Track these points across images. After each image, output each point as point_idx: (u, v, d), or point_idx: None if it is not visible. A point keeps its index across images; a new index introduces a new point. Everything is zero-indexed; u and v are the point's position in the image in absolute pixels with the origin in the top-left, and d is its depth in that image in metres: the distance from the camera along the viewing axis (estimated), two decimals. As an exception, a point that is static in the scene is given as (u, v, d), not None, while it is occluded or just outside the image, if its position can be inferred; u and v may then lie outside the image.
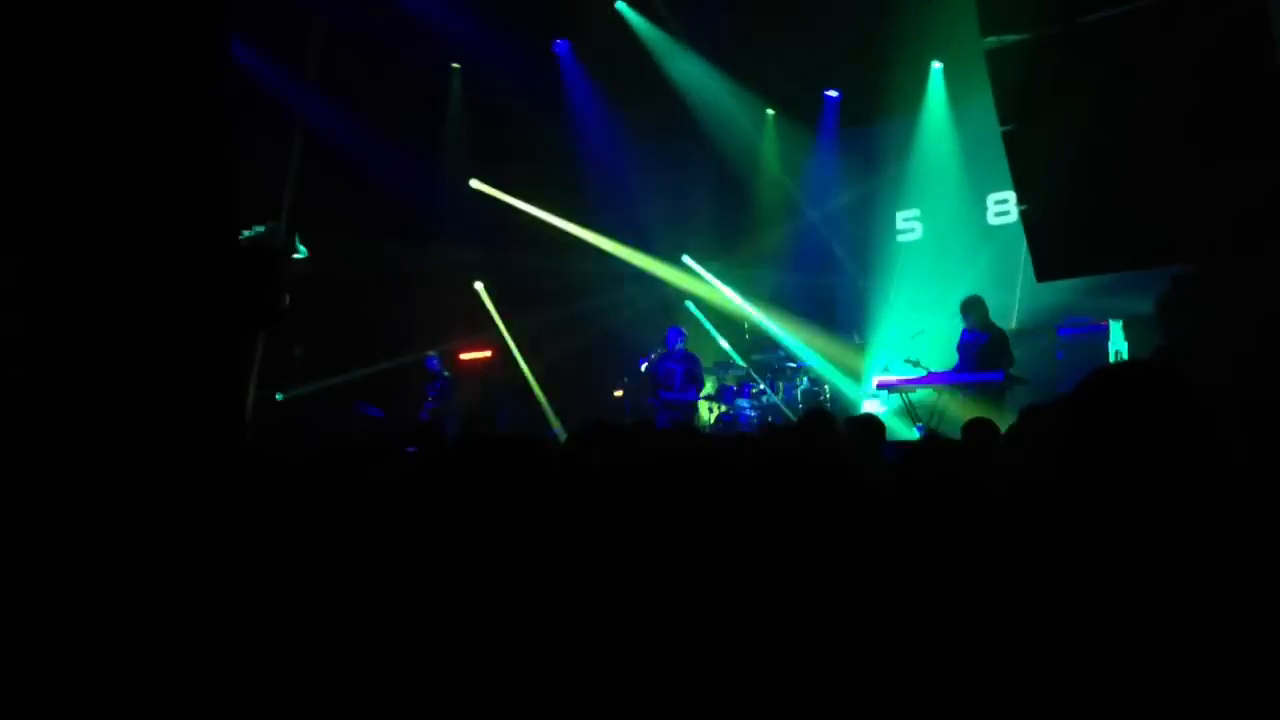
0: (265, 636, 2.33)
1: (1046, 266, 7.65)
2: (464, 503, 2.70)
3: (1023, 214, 7.72)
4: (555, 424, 12.81)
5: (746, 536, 2.23)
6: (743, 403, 11.48)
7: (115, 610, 2.64)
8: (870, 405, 11.47)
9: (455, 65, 13.00)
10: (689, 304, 13.35)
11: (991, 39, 7.39)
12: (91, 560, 2.88)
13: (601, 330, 13.00)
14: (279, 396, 11.15)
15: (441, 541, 2.46)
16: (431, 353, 11.97)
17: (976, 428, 5.36)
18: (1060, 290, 9.82)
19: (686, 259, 13.55)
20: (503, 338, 13.36)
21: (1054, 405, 4.95)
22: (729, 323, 13.18)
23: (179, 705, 2.23)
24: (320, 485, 2.76)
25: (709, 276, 13.45)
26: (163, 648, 2.38)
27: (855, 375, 12.51)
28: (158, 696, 2.26)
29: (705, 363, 11.70)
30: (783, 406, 11.61)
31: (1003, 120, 7.60)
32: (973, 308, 9.07)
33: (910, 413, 9.44)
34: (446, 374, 11.91)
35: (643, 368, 11.01)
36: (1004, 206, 11.73)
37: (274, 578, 2.52)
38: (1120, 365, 1.99)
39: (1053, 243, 7.46)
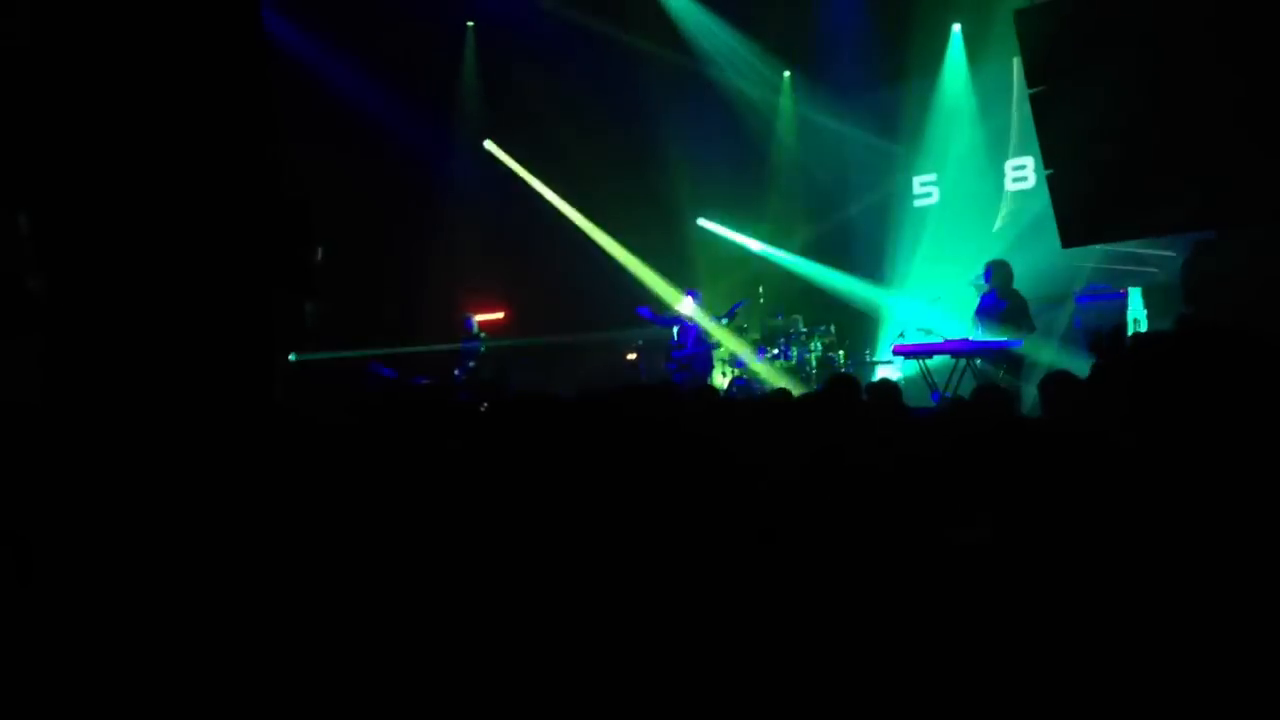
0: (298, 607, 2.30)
1: (1072, 232, 7.57)
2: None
3: (1049, 179, 7.63)
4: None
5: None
6: (755, 366, 11.46)
7: (141, 582, 2.60)
8: (885, 371, 11.44)
9: (470, 23, 12.87)
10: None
11: (1021, -1, 7.29)
12: (118, 526, 2.84)
13: (613, 291, 12.96)
14: (292, 358, 11.11)
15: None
16: (470, 314, 12.09)
17: (990, 394, 5.32)
18: (1079, 257, 9.76)
19: (702, 221, 13.50)
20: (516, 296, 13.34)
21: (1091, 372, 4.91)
22: (744, 288, 13.12)
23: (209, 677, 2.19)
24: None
25: (728, 233, 13.41)
26: (192, 620, 2.35)
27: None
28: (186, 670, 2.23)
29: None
30: (796, 371, 11.58)
31: (1031, 83, 7.50)
32: (997, 270, 8.98)
33: (927, 380, 9.39)
34: (482, 335, 12.00)
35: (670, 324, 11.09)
36: (1022, 173, 11.65)
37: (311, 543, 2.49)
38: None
39: (1079, 208, 7.37)
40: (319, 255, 3.72)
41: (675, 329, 11.10)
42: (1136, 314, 9.94)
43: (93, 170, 3.06)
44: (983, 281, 9.19)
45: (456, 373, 11.70)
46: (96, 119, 3.08)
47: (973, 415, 4.57)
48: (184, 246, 3.19)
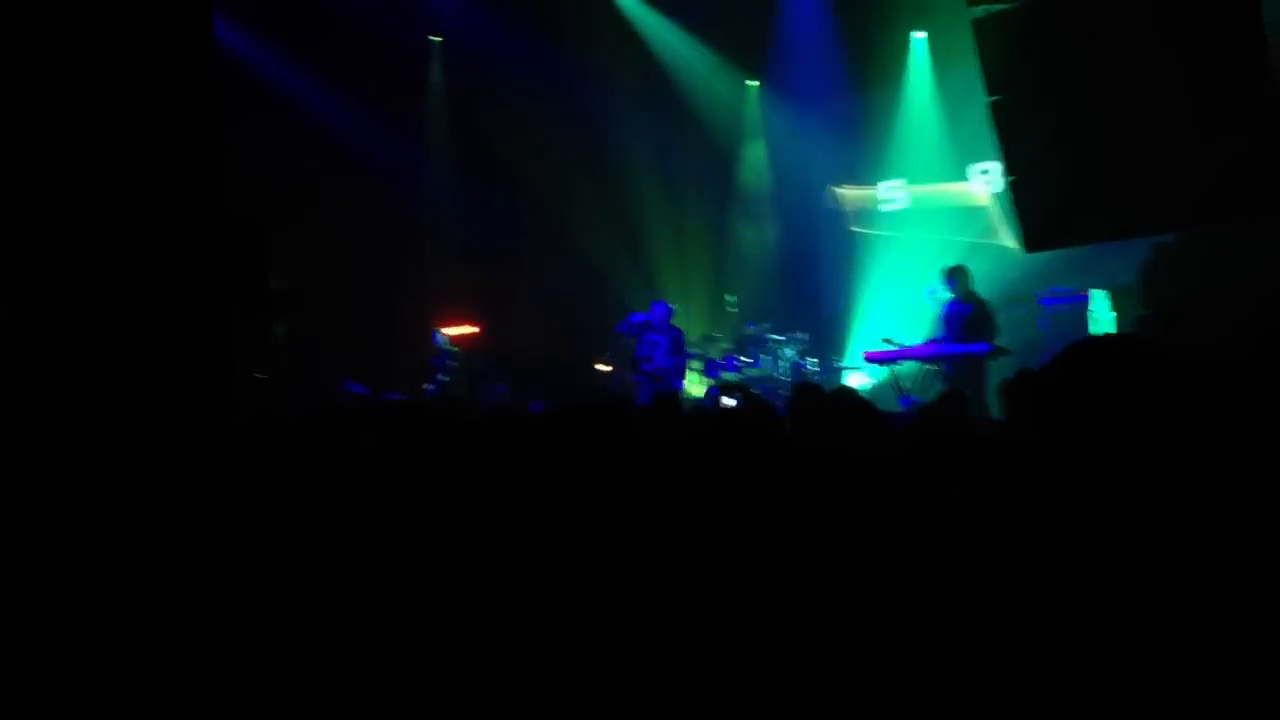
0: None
1: (1034, 237, 7.64)
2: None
3: (1010, 185, 7.70)
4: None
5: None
6: (728, 376, 11.48)
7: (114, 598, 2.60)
8: (855, 378, 11.50)
9: (435, 38, 12.86)
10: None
11: (978, 9, 7.36)
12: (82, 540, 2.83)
13: (585, 304, 12.95)
14: (259, 376, 11.04)
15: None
16: (438, 329, 12.01)
17: (950, 400, 5.38)
18: (1043, 260, 9.87)
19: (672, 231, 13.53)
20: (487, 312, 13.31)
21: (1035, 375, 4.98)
22: (713, 297, 13.18)
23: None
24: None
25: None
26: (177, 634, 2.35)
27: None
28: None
29: (691, 335, 11.73)
30: (768, 379, 11.62)
31: (989, 90, 7.57)
32: (956, 277, 9.07)
33: (896, 386, 9.45)
34: (455, 349, 11.95)
35: (627, 331, 11.02)
36: (986, 177, 11.77)
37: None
38: (1093, 338, 2.01)
39: (1040, 213, 7.44)
40: (276, 278, 3.73)
41: (634, 340, 11.05)
42: (1101, 315, 10.06)
43: (35, 188, 3.06)
44: (944, 289, 9.24)
45: (430, 388, 11.67)
46: (42, 135, 3.08)
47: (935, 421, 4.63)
48: (135, 268, 3.19)
